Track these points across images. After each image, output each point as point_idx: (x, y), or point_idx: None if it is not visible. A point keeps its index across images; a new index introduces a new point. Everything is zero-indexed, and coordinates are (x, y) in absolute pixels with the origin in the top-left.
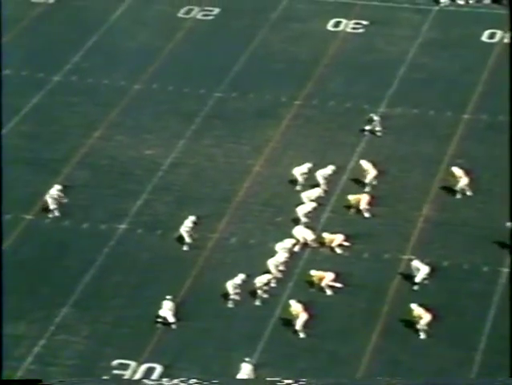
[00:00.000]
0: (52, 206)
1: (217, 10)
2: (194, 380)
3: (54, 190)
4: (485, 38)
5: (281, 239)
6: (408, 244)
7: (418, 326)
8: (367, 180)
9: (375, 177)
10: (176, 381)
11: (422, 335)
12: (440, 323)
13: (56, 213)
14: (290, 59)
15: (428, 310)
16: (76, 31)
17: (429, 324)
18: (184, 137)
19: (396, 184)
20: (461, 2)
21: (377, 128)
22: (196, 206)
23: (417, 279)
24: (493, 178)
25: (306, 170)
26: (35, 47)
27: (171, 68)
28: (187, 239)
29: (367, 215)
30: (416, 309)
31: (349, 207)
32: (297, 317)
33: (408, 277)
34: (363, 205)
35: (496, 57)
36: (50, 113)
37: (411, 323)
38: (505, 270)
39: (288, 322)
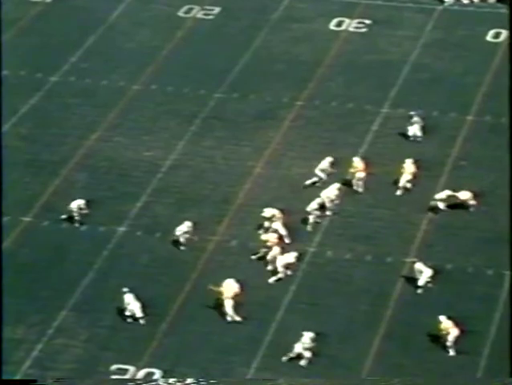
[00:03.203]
0: (77, 217)
1: (217, 10)
2: (191, 379)
3: (75, 204)
4: (489, 37)
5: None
6: (411, 247)
7: (447, 343)
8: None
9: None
10: (172, 381)
11: (451, 352)
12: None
13: (77, 224)
14: (291, 60)
15: (456, 324)
16: (75, 31)
17: (456, 339)
18: (183, 139)
19: (398, 187)
20: (466, 2)
21: (418, 133)
22: (196, 208)
23: (420, 282)
24: (497, 180)
25: (327, 164)
26: (33, 47)
27: (170, 69)
28: (182, 241)
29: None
30: (445, 322)
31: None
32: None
33: (412, 280)
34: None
35: (501, 57)
36: (48, 114)
37: (414, 327)
38: (509, 273)
39: (289, 323)
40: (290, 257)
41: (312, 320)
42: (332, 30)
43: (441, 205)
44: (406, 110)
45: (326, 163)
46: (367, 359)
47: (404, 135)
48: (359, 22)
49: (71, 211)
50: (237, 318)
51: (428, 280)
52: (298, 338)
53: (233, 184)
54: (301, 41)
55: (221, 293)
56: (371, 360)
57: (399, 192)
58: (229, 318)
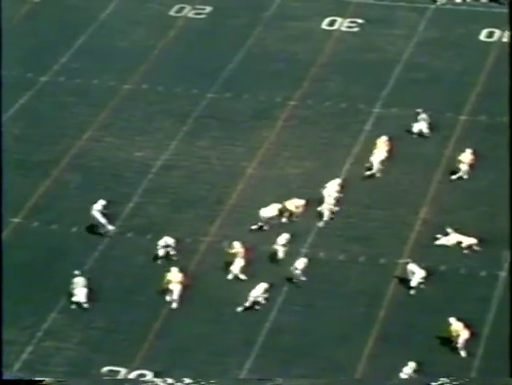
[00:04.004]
0: (102, 220)
1: (209, 9)
2: (189, 380)
3: (99, 205)
4: (483, 37)
5: (275, 242)
6: (405, 247)
7: (457, 345)
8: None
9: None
10: (170, 381)
11: (463, 353)
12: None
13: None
14: (284, 59)
15: (467, 326)
16: (65, 30)
17: (467, 341)
18: (176, 139)
19: (393, 187)
20: (458, 1)
21: (425, 130)
22: (188, 209)
23: (413, 283)
24: (492, 180)
25: (336, 187)
26: (23, 47)
27: (162, 68)
28: (161, 254)
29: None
30: (455, 324)
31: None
32: None
33: (405, 281)
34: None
35: (495, 57)
36: (38, 114)
37: (407, 328)
38: (504, 274)
39: (282, 325)
40: (300, 262)
41: (305, 321)
42: (325, 30)
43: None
44: (399, 109)
45: (335, 186)
46: (361, 361)
47: (397, 135)
48: (352, 22)
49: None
50: (242, 277)
51: (421, 281)
52: (292, 339)
53: (226, 185)
54: (294, 40)
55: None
56: (364, 361)
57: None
58: (230, 276)
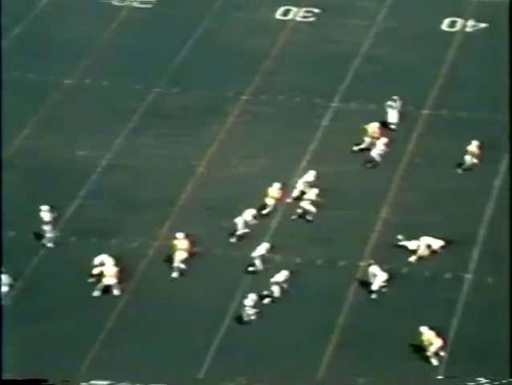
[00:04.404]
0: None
1: None
2: None
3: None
4: (445, 27)
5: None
6: (365, 249)
7: (428, 353)
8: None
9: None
10: None
11: (435, 362)
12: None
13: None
14: (235, 51)
15: (438, 334)
16: None
17: (438, 350)
18: (121, 136)
19: (351, 186)
20: None
21: (395, 121)
22: (135, 211)
23: (374, 287)
24: (456, 178)
25: (312, 178)
26: None
27: (105, 61)
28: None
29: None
30: (427, 332)
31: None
32: None
33: (366, 284)
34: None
35: (457, 48)
36: None
37: (369, 334)
38: (469, 276)
39: (238, 331)
40: (281, 276)
41: (261, 327)
42: (279, 20)
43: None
44: (357, 104)
45: (310, 177)
46: (320, 368)
47: (356, 130)
48: (307, 11)
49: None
50: (182, 266)
51: (383, 284)
52: (246, 344)
53: (175, 185)
54: (246, 31)
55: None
56: (324, 369)
57: None
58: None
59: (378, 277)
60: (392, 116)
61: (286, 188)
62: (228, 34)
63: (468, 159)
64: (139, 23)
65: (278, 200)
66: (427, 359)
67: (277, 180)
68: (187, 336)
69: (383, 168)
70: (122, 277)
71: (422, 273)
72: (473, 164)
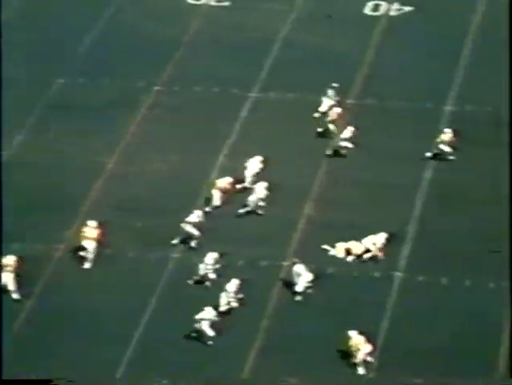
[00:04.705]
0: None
1: None
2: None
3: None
4: (368, 10)
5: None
6: (288, 249)
7: (356, 360)
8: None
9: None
10: None
11: (361, 370)
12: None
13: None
14: (146, 38)
15: (368, 339)
16: None
17: (367, 356)
18: (20, 132)
19: (271, 181)
20: None
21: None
22: (38, 213)
23: (299, 288)
24: (384, 171)
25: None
26: None
27: (2, 50)
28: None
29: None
30: (355, 337)
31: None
32: None
33: (290, 285)
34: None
35: (381, 32)
36: None
37: (294, 338)
38: (399, 274)
39: (154, 340)
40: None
41: (175, 332)
42: (191, 4)
43: None
44: (277, 93)
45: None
46: (244, 373)
47: (277, 121)
48: None
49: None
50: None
51: (308, 285)
52: (165, 349)
53: (82, 183)
54: (155, 16)
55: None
56: (246, 375)
57: None
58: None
59: (302, 277)
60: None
61: (235, 181)
62: (137, 20)
63: (443, 148)
64: (38, 8)
65: (226, 193)
66: (354, 366)
67: (192, 176)
68: (96, 344)
69: (306, 161)
70: (23, 281)
71: (350, 272)
72: (448, 153)
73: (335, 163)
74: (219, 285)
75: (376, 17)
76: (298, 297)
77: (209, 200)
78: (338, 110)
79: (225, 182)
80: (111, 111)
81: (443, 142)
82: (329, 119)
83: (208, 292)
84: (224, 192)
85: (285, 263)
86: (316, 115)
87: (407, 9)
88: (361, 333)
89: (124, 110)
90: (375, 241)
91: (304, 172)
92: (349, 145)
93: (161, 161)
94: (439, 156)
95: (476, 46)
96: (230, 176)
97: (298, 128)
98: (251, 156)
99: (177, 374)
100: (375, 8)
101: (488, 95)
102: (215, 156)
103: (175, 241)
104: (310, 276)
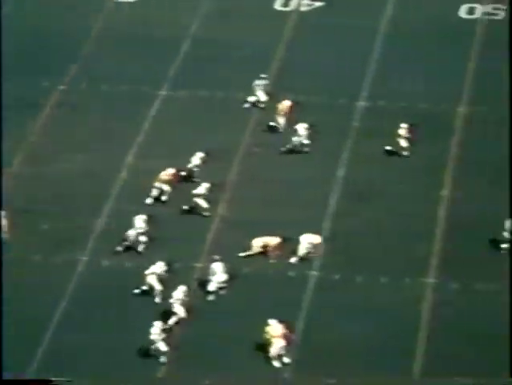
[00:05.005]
0: None
1: None
2: None
3: None
4: (278, 5)
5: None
6: (202, 249)
7: (270, 355)
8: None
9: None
10: None
11: (277, 364)
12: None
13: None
14: (46, 34)
15: (284, 335)
16: None
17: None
18: None
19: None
20: None
21: (262, 99)
22: None
23: (211, 287)
24: (295, 169)
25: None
26: None
27: None
28: None
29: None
30: (274, 326)
31: None
32: None
33: (204, 286)
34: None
35: (292, 27)
36: None
37: (205, 339)
38: (315, 274)
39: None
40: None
41: (85, 335)
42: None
43: None
44: (188, 91)
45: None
46: (160, 373)
47: (186, 122)
48: None
49: None
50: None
51: (221, 285)
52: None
53: None
54: (57, 11)
55: None
56: (162, 373)
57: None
58: None
59: (215, 277)
60: (261, 95)
61: (178, 173)
62: (35, 17)
63: (402, 142)
64: None
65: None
66: (268, 360)
67: (101, 176)
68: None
69: (219, 160)
70: None
71: (265, 272)
72: (407, 148)
73: (246, 162)
74: (131, 289)
75: (287, 12)
76: (211, 297)
77: None
78: (288, 103)
79: (168, 174)
80: (15, 110)
81: (400, 136)
82: (279, 111)
83: (118, 294)
84: (168, 183)
85: (197, 264)
86: (246, 105)
87: (317, 4)
88: (281, 321)
89: (29, 109)
90: (311, 241)
91: (214, 171)
92: (305, 141)
93: (69, 161)
94: (393, 152)
95: (387, 41)
96: (139, 175)
97: (208, 126)
98: (161, 156)
99: (92, 375)
100: (286, 3)
101: (400, 90)
102: (124, 155)
103: (119, 248)
104: (224, 276)
